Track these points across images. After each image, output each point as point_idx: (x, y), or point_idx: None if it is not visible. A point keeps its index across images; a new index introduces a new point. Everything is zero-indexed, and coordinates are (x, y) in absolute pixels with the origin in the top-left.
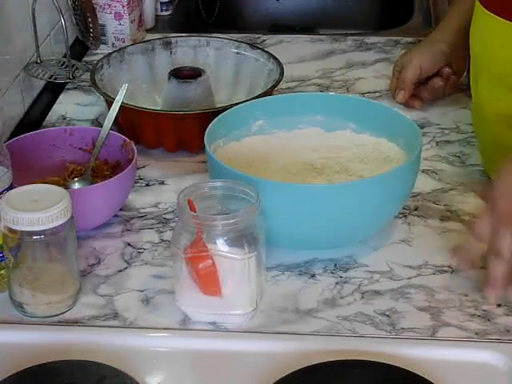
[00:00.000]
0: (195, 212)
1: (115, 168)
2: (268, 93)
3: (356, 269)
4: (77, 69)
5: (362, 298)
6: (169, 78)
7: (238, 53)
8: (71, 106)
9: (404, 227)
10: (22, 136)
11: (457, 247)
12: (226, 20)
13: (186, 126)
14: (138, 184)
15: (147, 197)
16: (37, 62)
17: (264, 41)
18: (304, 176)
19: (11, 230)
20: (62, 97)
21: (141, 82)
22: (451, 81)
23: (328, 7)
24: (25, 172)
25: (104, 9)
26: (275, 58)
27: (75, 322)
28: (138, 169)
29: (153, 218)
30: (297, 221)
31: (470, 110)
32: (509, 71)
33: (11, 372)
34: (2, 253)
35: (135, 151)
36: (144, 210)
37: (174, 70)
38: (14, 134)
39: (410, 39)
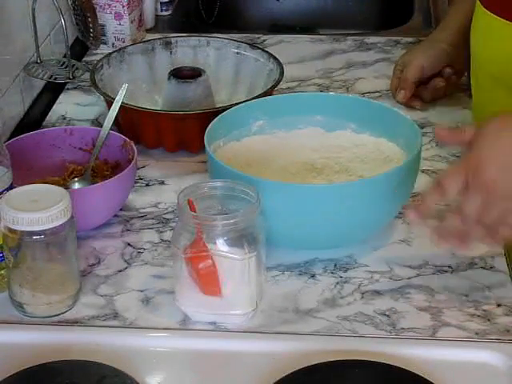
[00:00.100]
0: (195, 212)
1: (115, 168)
2: (268, 93)
3: (356, 269)
4: (77, 69)
5: (362, 297)
6: (169, 78)
7: (238, 53)
8: (71, 106)
9: (404, 227)
10: (22, 136)
11: (416, 199)
12: (226, 20)
13: (185, 125)
14: (138, 184)
15: (147, 197)
16: (37, 62)
17: (264, 41)
18: (304, 176)
19: (11, 230)
20: (61, 97)
21: (141, 82)
22: (452, 81)
23: (328, 7)
24: (25, 172)
25: (104, 9)
26: (275, 58)
27: (75, 322)
28: (138, 169)
29: (153, 218)
30: (297, 221)
31: (470, 110)
32: (509, 71)
33: (11, 372)
34: (1, 253)
35: (135, 151)
36: (144, 210)
37: (173, 70)
38: (14, 134)
39: (410, 39)
